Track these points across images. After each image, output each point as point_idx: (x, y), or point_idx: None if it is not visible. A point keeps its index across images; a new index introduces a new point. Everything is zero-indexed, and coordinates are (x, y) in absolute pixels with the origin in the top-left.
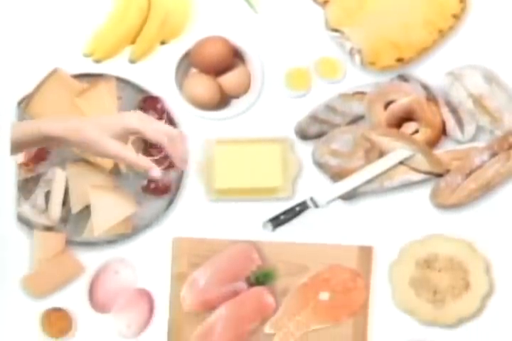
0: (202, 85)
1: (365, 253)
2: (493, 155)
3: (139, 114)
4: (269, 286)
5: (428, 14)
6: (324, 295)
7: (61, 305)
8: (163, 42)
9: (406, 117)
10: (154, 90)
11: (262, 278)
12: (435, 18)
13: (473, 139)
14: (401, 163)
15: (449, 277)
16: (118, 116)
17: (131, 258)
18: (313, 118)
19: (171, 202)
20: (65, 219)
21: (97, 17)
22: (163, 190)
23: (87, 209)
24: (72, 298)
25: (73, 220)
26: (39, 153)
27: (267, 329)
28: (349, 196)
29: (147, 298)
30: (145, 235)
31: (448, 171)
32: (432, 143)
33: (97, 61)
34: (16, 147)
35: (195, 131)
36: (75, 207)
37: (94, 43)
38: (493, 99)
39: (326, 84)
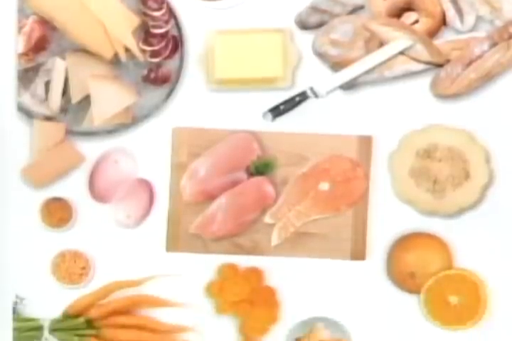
0: None
1: (365, 143)
2: (493, 45)
3: None
4: (268, 176)
5: None
6: (324, 185)
7: (61, 195)
8: None
9: (406, 7)
10: None
11: (261, 168)
12: None
13: (473, 29)
14: (401, 52)
15: (449, 167)
16: None
17: (131, 148)
18: (314, 8)
19: (171, 92)
20: (64, 108)
21: None
22: (163, 80)
23: (86, 99)
24: (72, 187)
25: (73, 110)
26: (39, 43)
27: (267, 219)
28: (349, 86)
29: (147, 188)
30: (145, 125)
31: (448, 61)
32: (432, 33)
33: None
34: None
35: (195, 21)
36: (75, 97)
37: None
38: None
39: None
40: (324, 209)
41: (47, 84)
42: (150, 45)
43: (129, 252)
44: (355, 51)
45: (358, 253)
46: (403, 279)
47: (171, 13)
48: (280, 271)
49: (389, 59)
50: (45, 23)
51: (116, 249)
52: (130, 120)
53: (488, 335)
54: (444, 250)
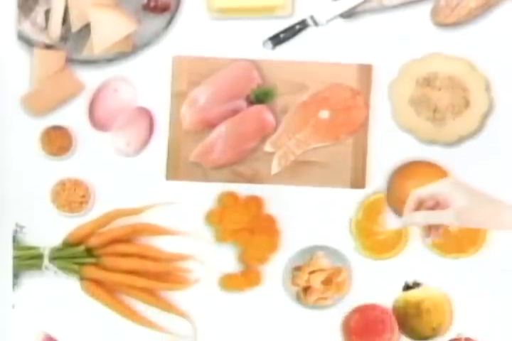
0: None
1: (365, 71)
2: None
3: None
4: (268, 104)
5: None
6: (324, 114)
7: (61, 123)
8: None
9: None
10: None
11: (261, 97)
12: None
13: None
14: None
15: (449, 95)
16: None
17: (131, 76)
18: None
19: (171, 20)
20: (64, 37)
21: None
22: (163, 8)
23: (87, 27)
24: (72, 116)
25: (73, 38)
26: None
27: (267, 147)
28: (349, 14)
29: (147, 116)
30: (145, 53)
31: None
32: None
33: None
34: None
35: None
36: (75, 25)
37: None
38: None
39: None
40: (324, 138)
41: (47, 13)
42: None
43: (129, 180)
44: None
45: (358, 181)
46: (403, 207)
47: None
48: (280, 200)
49: None
50: None
51: (116, 177)
52: (130, 48)
53: (488, 263)
54: (443, 178)
